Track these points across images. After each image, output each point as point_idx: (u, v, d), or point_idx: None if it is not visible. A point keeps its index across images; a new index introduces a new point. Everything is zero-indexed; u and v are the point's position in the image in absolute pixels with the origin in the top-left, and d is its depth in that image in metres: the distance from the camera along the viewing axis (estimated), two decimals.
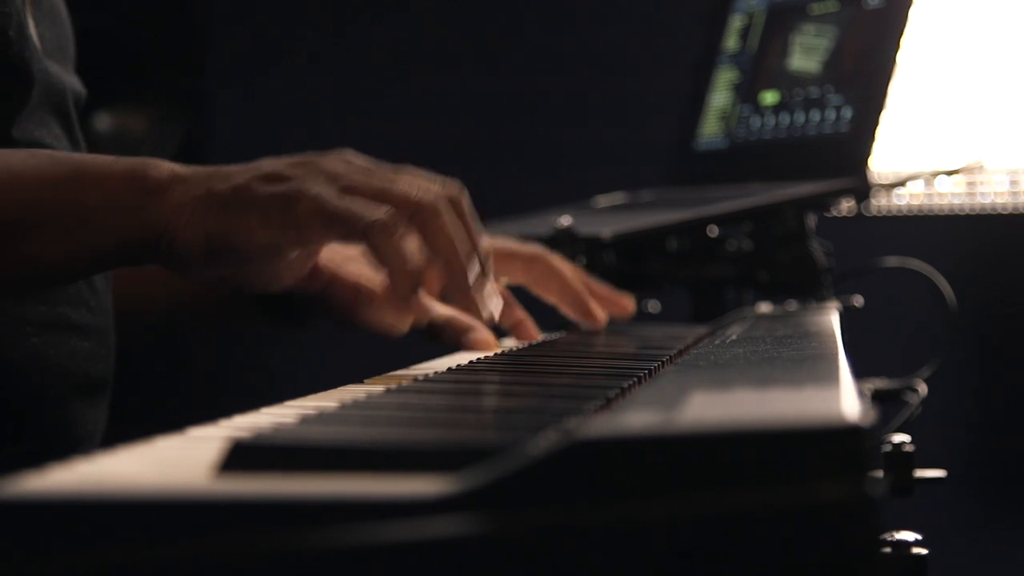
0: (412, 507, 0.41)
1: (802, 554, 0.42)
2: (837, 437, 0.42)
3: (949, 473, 1.12)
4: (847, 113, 1.52)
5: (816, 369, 0.62)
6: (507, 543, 0.41)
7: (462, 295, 0.84)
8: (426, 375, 0.76)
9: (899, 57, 1.49)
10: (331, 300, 1.01)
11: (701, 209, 1.47)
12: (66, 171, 0.84)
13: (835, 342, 0.81)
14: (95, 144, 2.79)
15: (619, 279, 1.60)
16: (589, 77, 2.93)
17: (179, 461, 0.47)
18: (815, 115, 1.56)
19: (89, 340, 1.01)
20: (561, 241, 1.43)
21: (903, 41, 1.49)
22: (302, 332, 1.22)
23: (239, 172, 0.84)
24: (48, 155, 0.86)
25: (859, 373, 1.38)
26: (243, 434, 0.47)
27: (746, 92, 1.68)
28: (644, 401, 0.55)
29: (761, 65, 1.67)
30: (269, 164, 0.84)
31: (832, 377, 0.56)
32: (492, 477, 0.41)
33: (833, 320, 1.12)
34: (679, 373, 0.69)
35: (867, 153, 1.48)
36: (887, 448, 1.16)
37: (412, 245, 0.81)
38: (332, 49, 3.06)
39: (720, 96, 1.71)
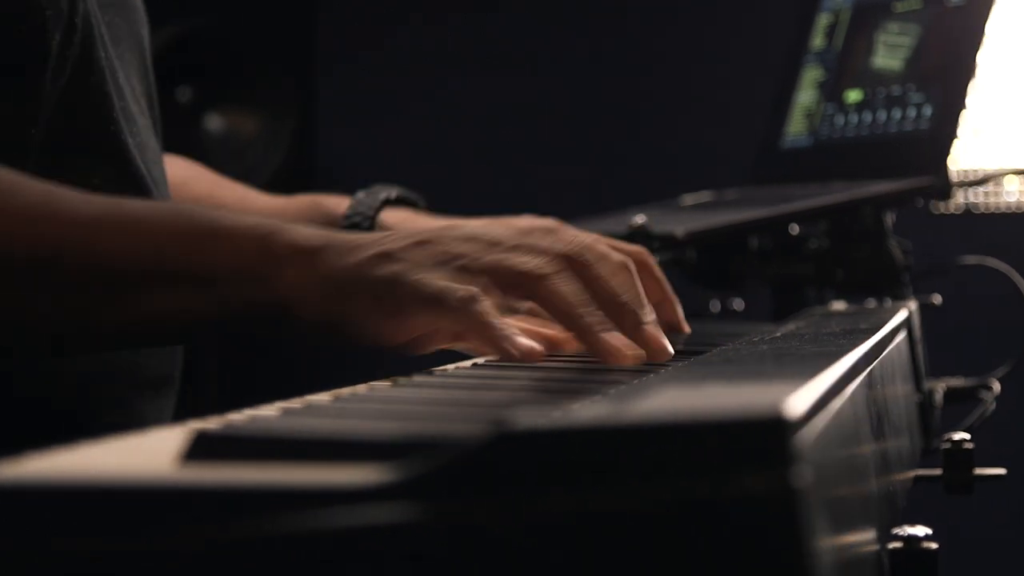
0: (347, 495, 0.42)
1: (723, 546, 0.43)
2: (759, 430, 0.43)
3: None
4: (927, 111, 1.51)
5: (806, 365, 0.63)
6: (435, 531, 0.42)
7: (595, 352, 0.84)
8: (443, 371, 0.78)
9: (979, 56, 1.48)
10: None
11: (776, 207, 1.47)
12: (201, 231, 0.85)
13: (865, 339, 0.82)
14: (206, 145, 2.86)
15: (701, 277, 1.61)
16: (682, 76, 2.94)
17: (154, 451, 0.50)
18: (896, 113, 1.56)
19: None
20: (636, 239, 1.44)
21: (983, 40, 1.48)
22: None
23: (360, 247, 0.85)
24: (188, 213, 0.87)
25: (934, 371, 1.39)
26: (215, 425, 0.49)
27: (831, 90, 1.68)
28: (615, 395, 0.56)
29: (846, 63, 1.67)
30: (391, 241, 0.86)
31: (811, 373, 0.57)
32: (424, 467, 0.43)
33: (891, 318, 1.12)
34: (683, 369, 0.70)
35: (946, 151, 1.48)
36: (946, 446, 1.16)
37: (488, 317, 0.81)
38: (439, 50, 3.10)
39: (806, 94, 1.71)
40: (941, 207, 1.51)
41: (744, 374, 0.62)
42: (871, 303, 1.46)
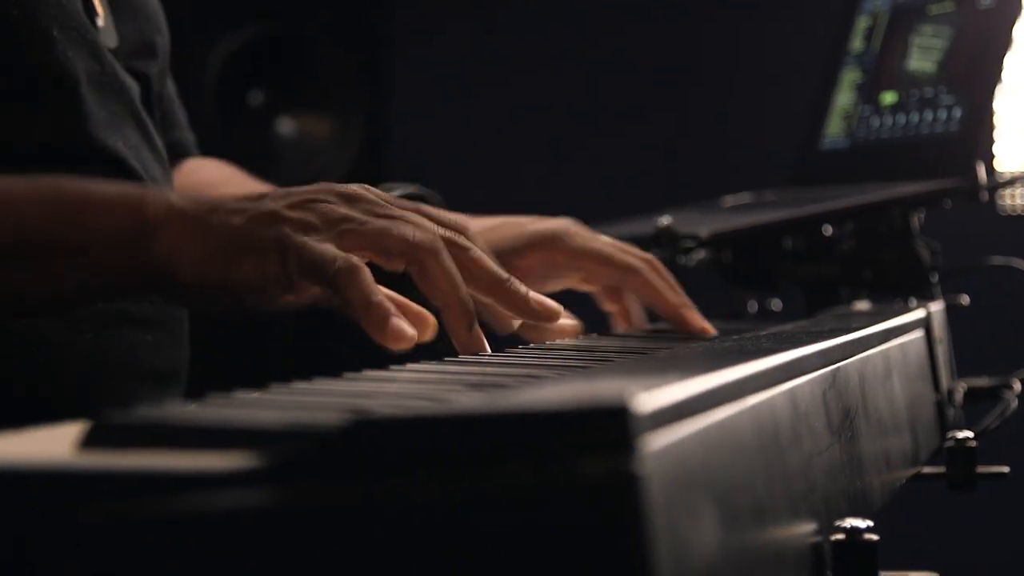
0: (214, 480, 0.46)
1: (564, 530, 0.45)
2: (599, 418, 0.46)
3: None
4: (957, 113, 1.52)
5: (714, 362, 0.65)
6: (292, 513, 0.45)
7: (457, 331, 0.87)
8: (401, 368, 0.81)
9: (1006, 57, 1.49)
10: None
11: (802, 209, 1.49)
12: (69, 203, 0.87)
13: (818, 341, 0.83)
14: (278, 148, 2.91)
15: (736, 277, 1.63)
16: (725, 77, 2.95)
17: (63, 439, 0.53)
18: (928, 115, 1.57)
19: (152, 332, 1.06)
20: (661, 240, 1.47)
21: (1011, 42, 1.49)
22: None
23: (239, 210, 0.86)
24: (52, 186, 0.88)
25: (961, 371, 1.40)
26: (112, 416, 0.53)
27: (868, 92, 1.69)
28: (494, 388, 0.59)
29: (883, 65, 1.68)
30: (271, 201, 0.87)
31: (700, 369, 0.59)
32: (285, 453, 0.46)
33: (896, 319, 1.13)
34: (619, 366, 0.72)
35: (975, 152, 1.49)
36: (950, 444, 1.17)
37: (370, 285, 0.82)
38: (509, 51, 3.13)
39: (844, 96, 1.72)
40: (969, 208, 1.51)
41: (650, 371, 0.64)
42: (899, 304, 1.47)
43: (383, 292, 0.84)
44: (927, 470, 1.17)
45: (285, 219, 0.85)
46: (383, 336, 0.81)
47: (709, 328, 1.19)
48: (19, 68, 0.98)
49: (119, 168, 1.03)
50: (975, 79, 1.52)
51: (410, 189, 1.30)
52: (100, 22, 1.07)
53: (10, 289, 0.87)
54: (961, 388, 1.40)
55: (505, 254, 1.17)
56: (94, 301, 0.98)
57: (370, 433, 0.46)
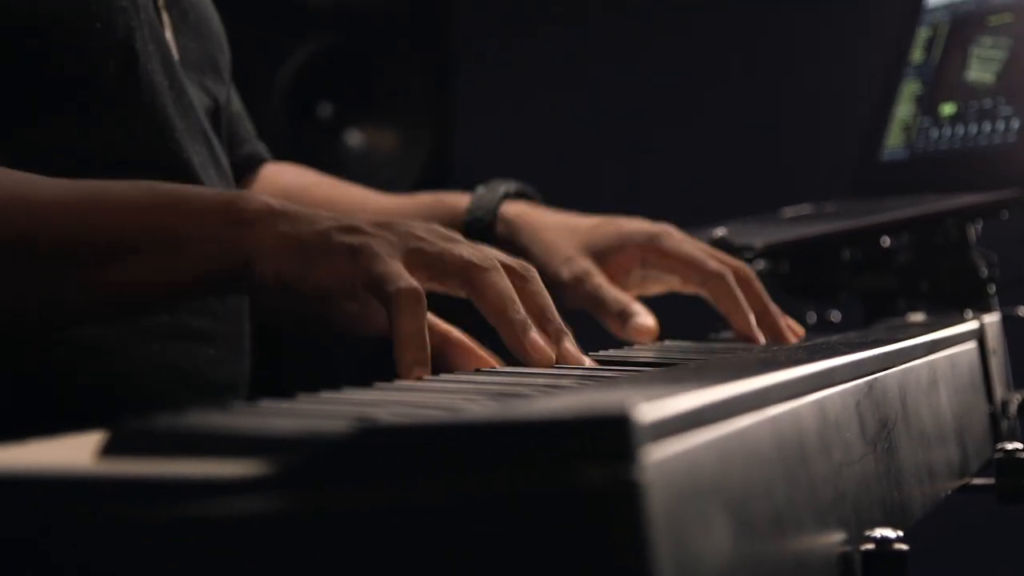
0: (224, 487, 0.47)
1: (563, 536, 0.46)
2: (599, 428, 0.46)
3: None
4: (1015, 124, 1.52)
5: (735, 373, 0.66)
6: (300, 521, 0.47)
7: (514, 348, 0.89)
8: (432, 377, 0.82)
9: None
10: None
11: (858, 220, 1.49)
12: (165, 201, 0.90)
13: (854, 352, 0.84)
14: (346, 160, 2.93)
15: (796, 288, 1.63)
16: (784, 87, 2.94)
17: (85, 447, 0.55)
18: (987, 126, 1.56)
19: (214, 346, 1.07)
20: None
21: None
22: None
23: (327, 219, 0.90)
24: (148, 186, 0.92)
25: (1018, 382, 1.39)
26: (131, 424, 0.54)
27: (927, 104, 1.68)
28: (502, 398, 0.60)
29: (942, 77, 1.68)
30: (358, 219, 0.90)
31: (716, 380, 0.60)
32: (292, 461, 0.47)
33: (942, 331, 1.13)
34: (641, 377, 0.73)
35: None
36: (999, 455, 1.17)
37: (419, 321, 0.85)
38: (574, 61, 3.13)
39: (904, 108, 1.72)
40: None
41: (665, 382, 0.65)
42: (955, 315, 1.46)
43: (432, 322, 0.86)
44: (976, 481, 1.16)
45: (364, 231, 0.88)
46: (401, 369, 0.84)
47: (790, 336, 1.20)
48: (101, 79, 1.00)
49: (188, 182, 1.04)
50: None
51: (512, 187, 1.31)
52: (168, 35, 1.08)
53: (114, 286, 0.89)
54: (1016, 399, 1.39)
55: (601, 252, 1.23)
56: (197, 295, 1.00)
57: (376, 441, 0.47)
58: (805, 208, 1.82)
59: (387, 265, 0.86)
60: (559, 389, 0.67)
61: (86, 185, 0.91)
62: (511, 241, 1.24)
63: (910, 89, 1.72)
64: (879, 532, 0.75)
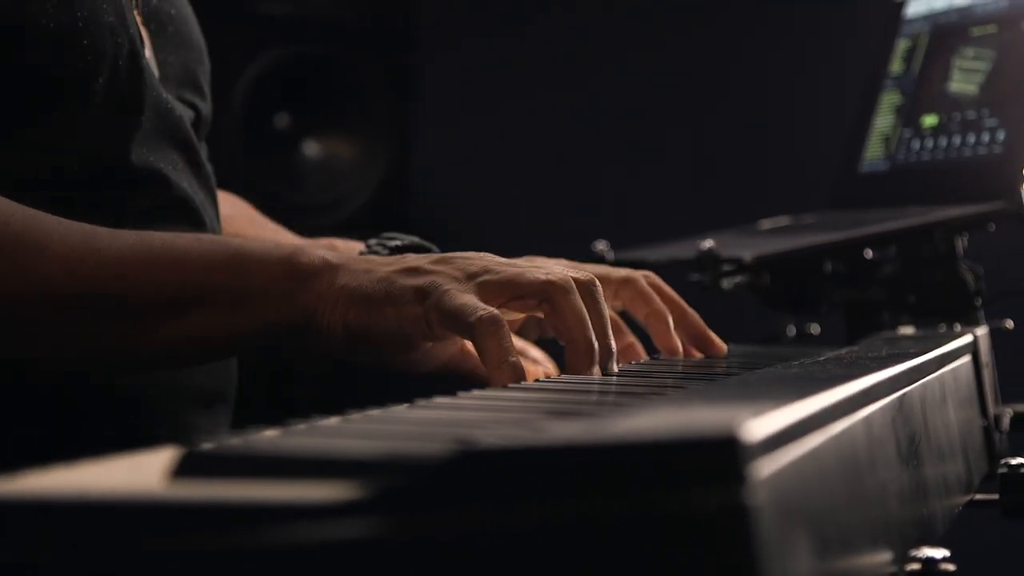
0: (317, 511, 0.44)
1: (675, 562, 0.44)
2: (711, 449, 0.45)
3: None
4: (1000, 135, 1.51)
5: (806, 388, 0.64)
6: (399, 546, 0.44)
7: (578, 370, 0.90)
8: (468, 393, 0.80)
9: None
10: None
11: (844, 232, 1.48)
12: (228, 254, 0.91)
13: (890, 365, 0.82)
14: (303, 171, 2.90)
15: (776, 301, 1.62)
16: (760, 99, 2.94)
17: (150, 469, 0.52)
18: (971, 138, 1.55)
19: None
20: (704, 263, 1.46)
21: None
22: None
23: (385, 264, 0.91)
24: (212, 239, 0.94)
25: (1008, 396, 1.38)
26: (204, 445, 0.52)
27: (908, 115, 1.68)
28: (588, 415, 0.58)
29: (923, 88, 1.67)
30: (414, 259, 0.92)
31: (790, 396, 0.58)
32: (389, 484, 0.45)
33: (947, 344, 1.12)
34: (692, 392, 0.71)
35: (1019, 175, 1.47)
36: (1003, 470, 1.16)
37: (507, 343, 0.86)
38: (534, 77, 3.12)
39: (884, 119, 1.71)
40: (1014, 231, 1.50)
41: (737, 397, 0.63)
42: (943, 328, 1.46)
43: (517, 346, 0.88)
44: (979, 497, 1.15)
45: (427, 271, 0.90)
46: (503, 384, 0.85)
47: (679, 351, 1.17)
48: (84, 94, 0.99)
49: (166, 189, 1.03)
50: (1019, 101, 1.51)
51: (405, 240, 1.27)
52: (147, 52, 1.07)
53: (180, 337, 0.91)
54: (1008, 414, 1.39)
55: None
56: (247, 350, 1.01)
57: (477, 464, 0.45)
58: (783, 220, 1.81)
59: (459, 297, 0.87)
60: (627, 406, 0.65)
61: (150, 239, 0.92)
62: None
63: (890, 100, 1.71)
64: (924, 552, 0.74)
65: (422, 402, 0.71)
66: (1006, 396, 1.41)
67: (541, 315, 0.92)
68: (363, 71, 2.93)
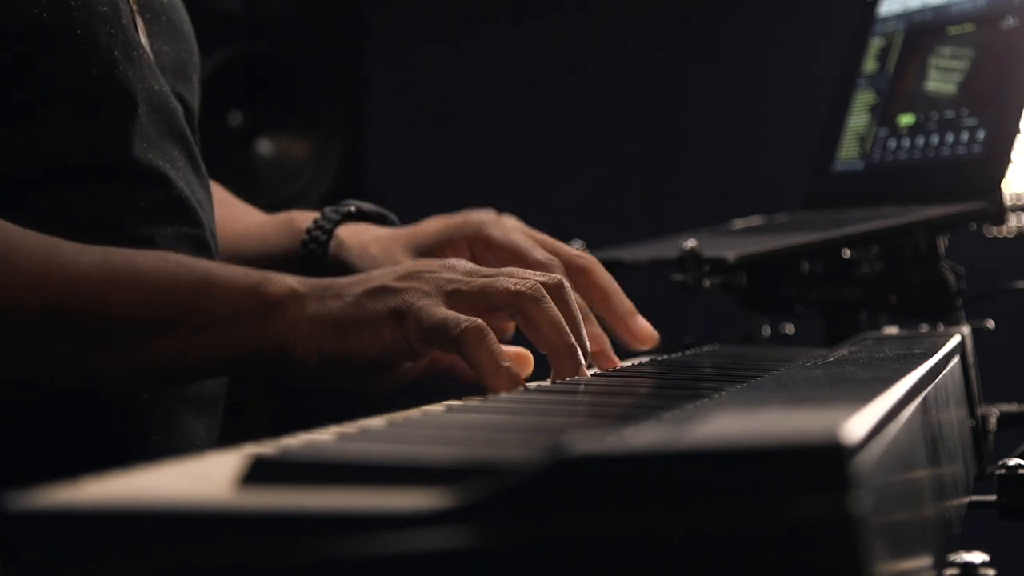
0: (408, 520, 0.43)
1: (782, 572, 0.43)
2: (818, 456, 0.43)
3: None
4: (980, 135, 1.51)
5: (864, 391, 0.63)
6: (496, 555, 0.43)
7: (567, 376, 0.89)
8: (495, 396, 0.79)
9: None
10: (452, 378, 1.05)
11: (829, 232, 1.47)
12: (194, 278, 0.89)
13: (919, 364, 0.81)
14: (256, 169, 2.87)
15: (752, 301, 1.61)
16: (730, 100, 2.93)
17: (210, 475, 0.50)
18: (949, 137, 1.55)
19: None
20: (686, 263, 1.44)
21: None
22: None
23: (351, 286, 0.90)
24: (177, 260, 0.91)
25: (989, 396, 1.38)
26: (271, 450, 0.49)
27: (883, 114, 1.67)
28: (669, 420, 0.56)
29: (898, 87, 1.66)
30: (379, 277, 0.91)
31: (867, 398, 0.57)
32: (483, 492, 0.43)
33: (946, 343, 1.11)
34: (737, 394, 0.70)
35: (1000, 175, 1.47)
36: (1001, 471, 1.15)
37: (497, 350, 0.85)
38: (488, 72, 3.10)
39: (858, 118, 1.70)
40: (994, 231, 1.50)
41: (799, 399, 0.61)
42: (924, 328, 1.45)
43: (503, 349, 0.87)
44: (977, 499, 1.14)
45: (396, 289, 0.89)
46: (498, 389, 0.84)
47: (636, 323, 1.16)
48: (80, 87, 0.96)
49: (166, 189, 1.01)
50: (999, 100, 1.50)
51: (357, 206, 1.25)
52: (143, 40, 1.04)
53: (142, 361, 0.88)
54: (995, 414, 1.38)
55: (428, 249, 1.17)
56: (220, 373, 1.01)
57: (573, 470, 0.43)
58: (756, 220, 1.80)
59: (436, 312, 0.87)
60: (691, 410, 0.63)
61: (116, 256, 0.90)
62: (340, 260, 1.19)
63: (864, 99, 1.70)
64: (963, 556, 0.73)
65: (455, 405, 0.69)
66: (989, 396, 1.41)
67: (513, 326, 0.92)
68: (315, 69, 2.90)
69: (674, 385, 0.85)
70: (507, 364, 0.84)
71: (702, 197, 2.79)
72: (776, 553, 0.43)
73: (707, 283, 1.46)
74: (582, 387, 0.83)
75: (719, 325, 1.58)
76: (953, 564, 0.72)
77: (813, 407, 0.55)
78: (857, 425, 0.48)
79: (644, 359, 1.15)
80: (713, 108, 2.95)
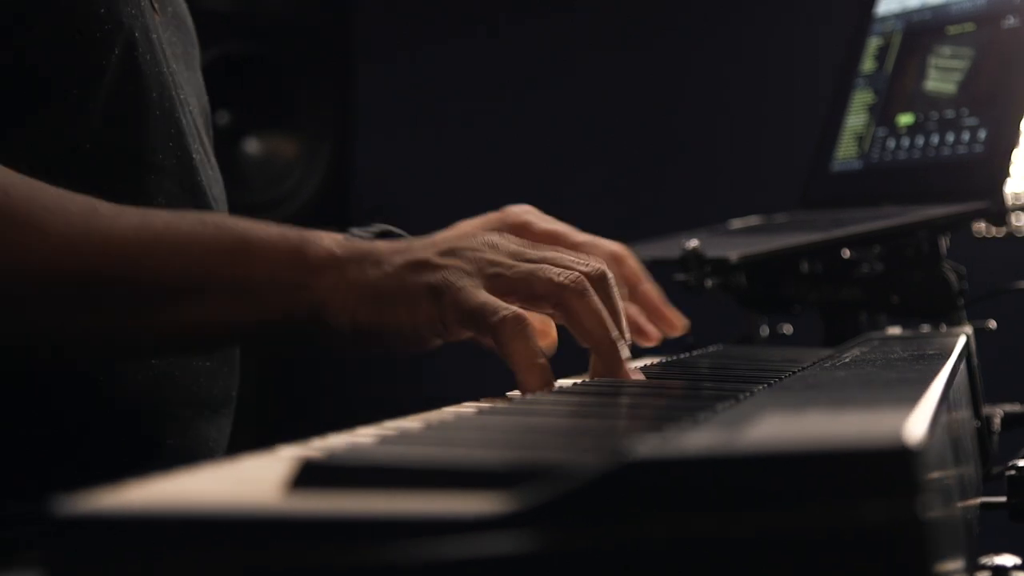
0: (470, 525, 0.42)
1: (850, 574, 0.42)
2: (885, 459, 0.42)
3: None
4: (982, 135, 1.50)
5: (903, 392, 0.62)
6: (560, 561, 0.42)
7: (609, 371, 0.87)
8: (524, 397, 0.78)
9: None
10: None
11: (831, 232, 1.46)
12: (232, 241, 0.87)
13: (942, 365, 0.81)
14: (244, 169, 2.85)
15: (752, 301, 1.60)
16: (731, 98, 2.92)
17: (254, 479, 0.49)
18: (950, 137, 1.54)
19: (211, 359, 1.03)
20: (688, 263, 1.43)
21: None
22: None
23: (391, 255, 0.88)
24: (216, 223, 0.88)
25: (990, 396, 1.37)
26: (316, 453, 0.48)
27: (882, 114, 1.66)
28: (716, 422, 0.55)
29: (897, 87, 1.66)
30: (420, 249, 0.88)
31: (912, 399, 0.56)
32: (547, 496, 0.42)
33: (956, 344, 1.11)
34: (771, 395, 0.69)
35: (1002, 175, 1.47)
36: (1011, 472, 1.14)
37: (534, 345, 0.84)
38: (477, 73, 3.09)
39: (856, 118, 1.70)
40: (996, 231, 1.49)
41: (840, 401, 0.61)
42: (925, 328, 1.44)
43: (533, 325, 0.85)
44: (987, 500, 1.14)
45: (437, 266, 0.87)
46: (529, 388, 0.83)
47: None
48: (105, 77, 0.94)
49: (189, 182, 1.00)
50: (1001, 100, 1.50)
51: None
52: (157, 27, 1.03)
53: (181, 326, 0.86)
54: (998, 414, 1.38)
55: None
56: (249, 342, 0.99)
57: (638, 474, 0.42)
58: (753, 220, 1.79)
59: (476, 297, 0.85)
60: (737, 411, 0.62)
61: (154, 219, 0.88)
62: None
63: (862, 99, 1.70)
64: (995, 560, 0.72)
65: (485, 407, 0.68)
66: (989, 397, 1.41)
67: (554, 317, 0.90)
68: (304, 69, 2.89)
69: (698, 386, 0.84)
70: (542, 361, 0.83)
71: (698, 197, 2.79)
72: (845, 557, 0.42)
73: (709, 283, 1.45)
74: (608, 388, 0.82)
75: (718, 325, 1.57)
76: (985, 567, 0.72)
77: (860, 409, 0.55)
78: (917, 427, 0.47)
79: (652, 359, 1.14)
80: (708, 108, 2.95)
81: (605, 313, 0.87)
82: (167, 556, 0.42)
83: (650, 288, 1.14)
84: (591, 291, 0.87)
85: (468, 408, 0.73)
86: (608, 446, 0.49)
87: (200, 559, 0.42)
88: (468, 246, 0.88)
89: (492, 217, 1.17)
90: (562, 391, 0.80)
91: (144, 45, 0.98)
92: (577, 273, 0.87)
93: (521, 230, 1.13)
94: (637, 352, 1.19)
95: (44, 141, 0.93)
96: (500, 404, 0.70)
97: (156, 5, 1.06)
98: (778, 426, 0.49)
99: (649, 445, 0.44)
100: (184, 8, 1.15)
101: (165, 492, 0.46)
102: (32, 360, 0.91)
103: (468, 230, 0.91)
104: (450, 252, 0.88)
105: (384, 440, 0.53)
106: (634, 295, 1.13)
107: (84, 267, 0.84)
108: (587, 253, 0.98)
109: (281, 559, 0.42)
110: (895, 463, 0.43)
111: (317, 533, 0.42)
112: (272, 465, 0.52)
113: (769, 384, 0.81)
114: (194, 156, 1.04)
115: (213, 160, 1.09)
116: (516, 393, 0.87)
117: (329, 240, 0.88)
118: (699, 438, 0.47)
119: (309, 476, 0.47)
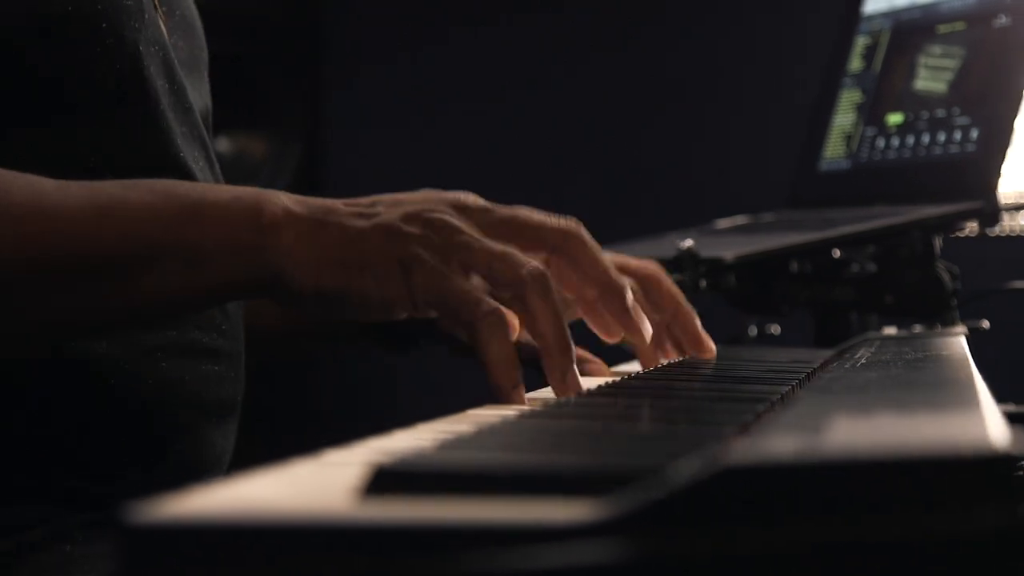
0: (563, 532, 0.40)
1: None
2: (988, 465, 0.42)
3: None
4: (973, 134, 1.50)
5: (954, 394, 0.61)
6: (659, 569, 0.41)
7: (560, 377, 0.84)
8: (556, 400, 0.77)
9: None
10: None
11: (826, 231, 1.45)
12: (183, 208, 0.83)
13: (968, 366, 0.80)
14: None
15: (741, 301, 1.59)
16: (713, 98, 2.92)
17: (317, 485, 0.47)
18: (941, 136, 1.54)
19: (219, 364, 1.01)
20: (683, 263, 1.42)
21: None
22: (408, 355, 1.22)
23: (353, 217, 0.84)
24: (165, 191, 0.85)
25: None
26: (384, 459, 0.47)
27: (870, 113, 1.66)
28: (785, 425, 0.54)
29: (885, 86, 1.65)
30: (385, 211, 0.85)
31: (972, 402, 0.55)
32: (642, 502, 0.41)
33: (962, 344, 1.10)
34: (815, 397, 0.68)
35: (995, 175, 1.46)
36: (1019, 473, 1.14)
37: (511, 344, 0.81)
38: (448, 72, 3.08)
39: (844, 117, 1.69)
40: (990, 231, 1.49)
41: (894, 402, 0.60)
42: (919, 328, 1.44)
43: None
44: None
45: (406, 235, 0.83)
46: (502, 395, 0.81)
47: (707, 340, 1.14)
48: (106, 82, 0.93)
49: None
50: (993, 99, 1.50)
51: None
52: (165, 35, 1.01)
53: (139, 296, 0.83)
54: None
55: None
56: (219, 303, 0.96)
57: (735, 481, 0.41)
58: (741, 219, 1.79)
59: (450, 283, 0.82)
60: (795, 413, 0.61)
61: (102, 190, 0.84)
62: None
63: (850, 98, 1.69)
64: None
65: (526, 411, 0.67)
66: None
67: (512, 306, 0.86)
68: (274, 66, 2.87)
69: (734, 387, 0.83)
70: (512, 358, 0.80)
71: (683, 197, 2.78)
72: (950, 564, 0.41)
73: (703, 283, 1.45)
74: (641, 388, 0.81)
75: (706, 326, 1.56)
76: None
77: (927, 412, 0.54)
78: (1001, 432, 0.46)
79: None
80: (693, 108, 2.94)
81: (560, 313, 0.84)
82: (246, 566, 0.41)
83: (688, 313, 1.11)
84: (553, 292, 0.84)
85: (501, 412, 0.71)
86: (695, 451, 0.48)
87: (282, 568, 0.41)
88: (434, 210, 0.85)
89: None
90: (601, 392, 0.79)
91: (149, 58, 0.96)
92: (540, 269, 0.84)
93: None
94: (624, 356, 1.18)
95: (49, 156, 0.91)
96: (541, 408, 0.69)
97: (163, 10, 1.04)
98: (860, 431, 0.48)
99: (740, 451, 0.43)
100: (193, 10, 1.13)
101: (234, 500, 0.44)
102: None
103: (433, 196, 0.86)
104: (414, 217, 0.84)
105: (444, 445, 0.52)
106: (675, 318, 1.10)
107: (31, 247, 0.81)
108: (619, 272, 0.95)
109: (367, 568, 0.40)
110: (996, 468, 0.42)
111: (401, 541, 0.41)
112: (327, 471, 0.51)
113: (798, 386, 0.80)
114: (199, 162, 1.02)
115: (216, 165, 1.08)
116: (539, 394, 0.85)
117: (286, 198, 0.85)
118: (784, 443, 0.46)
119: (383, 482, 0.45)
